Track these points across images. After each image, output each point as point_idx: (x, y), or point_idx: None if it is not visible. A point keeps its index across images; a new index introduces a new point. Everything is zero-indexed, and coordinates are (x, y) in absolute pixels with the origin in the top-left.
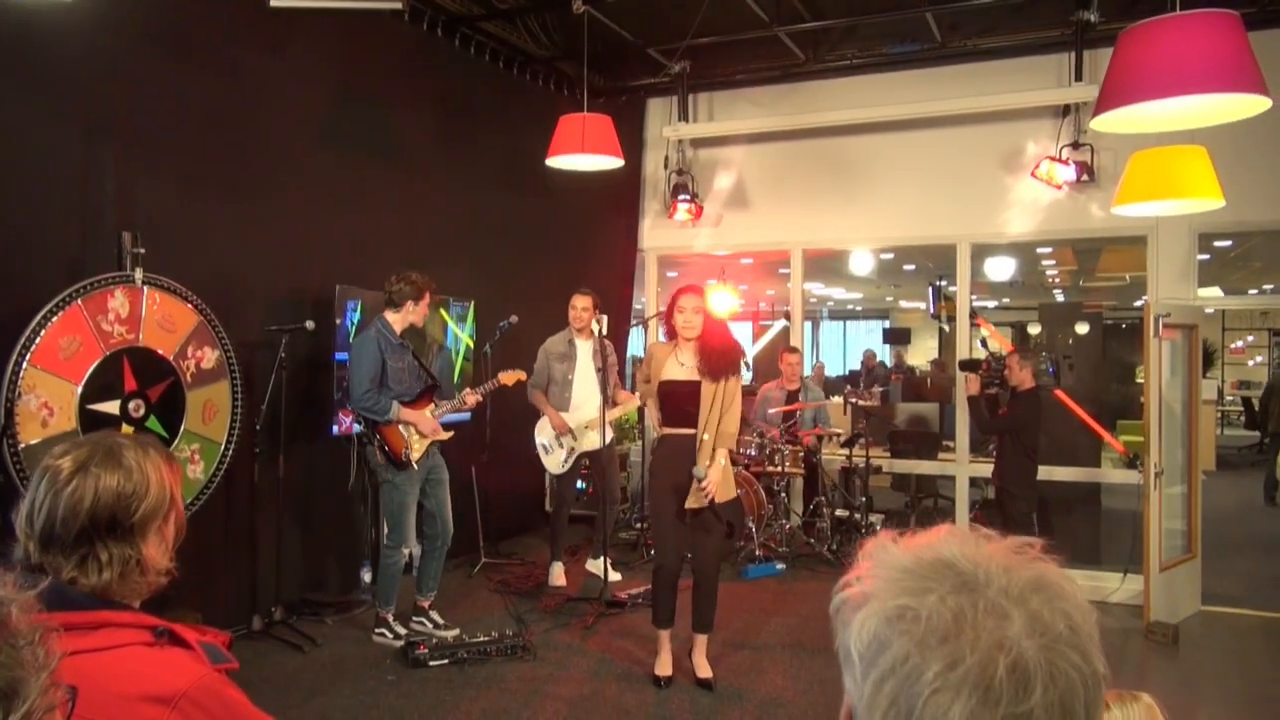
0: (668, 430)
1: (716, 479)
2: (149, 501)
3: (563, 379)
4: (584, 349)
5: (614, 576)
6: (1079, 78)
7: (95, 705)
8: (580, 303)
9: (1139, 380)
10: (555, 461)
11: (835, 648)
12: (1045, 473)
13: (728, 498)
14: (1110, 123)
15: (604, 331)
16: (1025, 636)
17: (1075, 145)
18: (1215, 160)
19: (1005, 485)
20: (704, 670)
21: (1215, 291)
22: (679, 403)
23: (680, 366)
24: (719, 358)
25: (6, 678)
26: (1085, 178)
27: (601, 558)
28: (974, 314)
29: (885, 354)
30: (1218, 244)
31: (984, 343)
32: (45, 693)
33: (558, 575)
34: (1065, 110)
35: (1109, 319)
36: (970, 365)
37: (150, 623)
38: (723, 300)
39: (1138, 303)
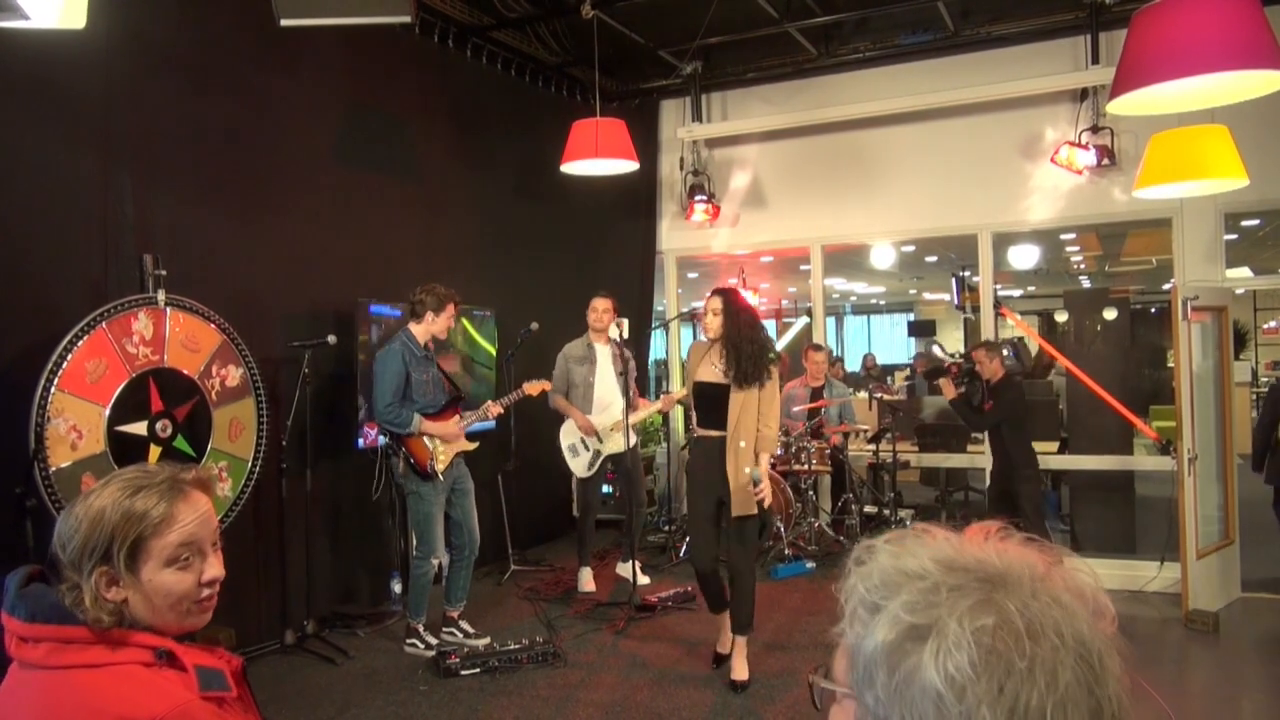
0: (701, 431)
1: (769, 485)
2: (74, 545)
3: (584, 382)
4: (603, 352)
5: (643, 580)
6: (1095, 61)
7: (67, 718)
8: (600, 304)
9: (1171, 365)
10: (581, 464)
11: (882, 685)
12: (1079, 461)
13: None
14: (1127, 105)
15: (625, 335)
16: (1093, 626)
17: (1095, 129)
18: (1238, 139)
19: (1015, 471)
20: (740, 673)
21: (1245, 272)
22: (709, 404)
23: (712, 368)
24: (745, 361)
25: None
26: (1106, 161)
27: (631, 561)
28: (999, 304)
29: (909, 347)
30: (1245, 223)
31: (941, 347)
32: None
33: (586, 580)
34: (1083, 94)
35: (1137, 303)
36: (936, 373)
37: (152, 643)
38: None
39: (1166, 286)
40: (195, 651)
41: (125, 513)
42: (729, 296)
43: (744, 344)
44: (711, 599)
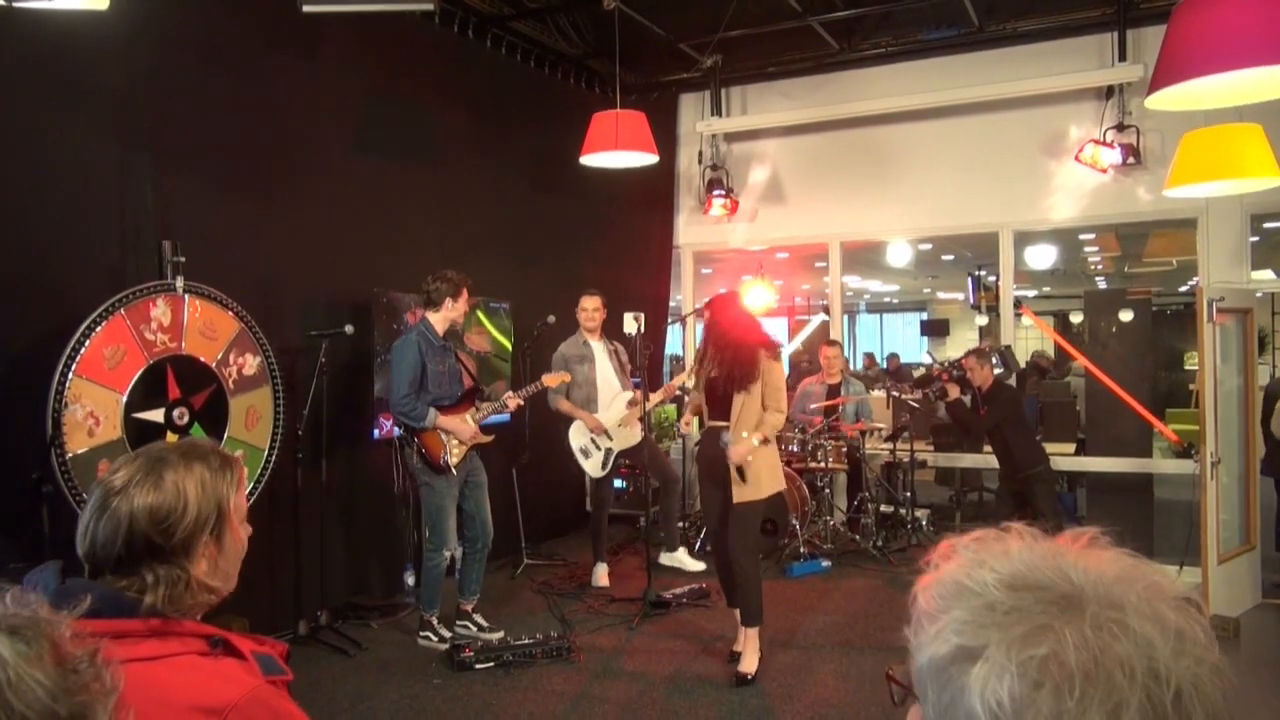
0: (710, 423)
1: (741, 451)
2: (186, 522)
3: (585, 380)
4: (599, 348)
5: (698, 565)
6: (1123, 58)
7: (146, 714)
8: (590, 304)
9: (1187, 367)
10: (595, 465)
11: (920, 711)
12: (1096, 463)
13: (776, 489)
14: (1166, 100)
15: (642, 329)
16: (1175, 659)
17: (1120, 127)
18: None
19: (1027, 473)
20: (747, 665)
21: (1268, 274)
22: (718, 397)
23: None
24: (736, 370)
25: (76, 703)
26: (1131, 160)
27: (678, 550)
28: (1018, 303)
29: (921, 346)
30: (1268, 225)
31: (930, 354)
32: (113, 718)
33: (601, 576)
34: (1109, 92)
35: (1156, 305)
36: (926, 380)
37: (206, 632)
38: (758, 295)
39: (1183, 288)
40: (244, 639)
41: (215, 478)
42: (715, 308)
43: (738, 356)
44: (725, 588)
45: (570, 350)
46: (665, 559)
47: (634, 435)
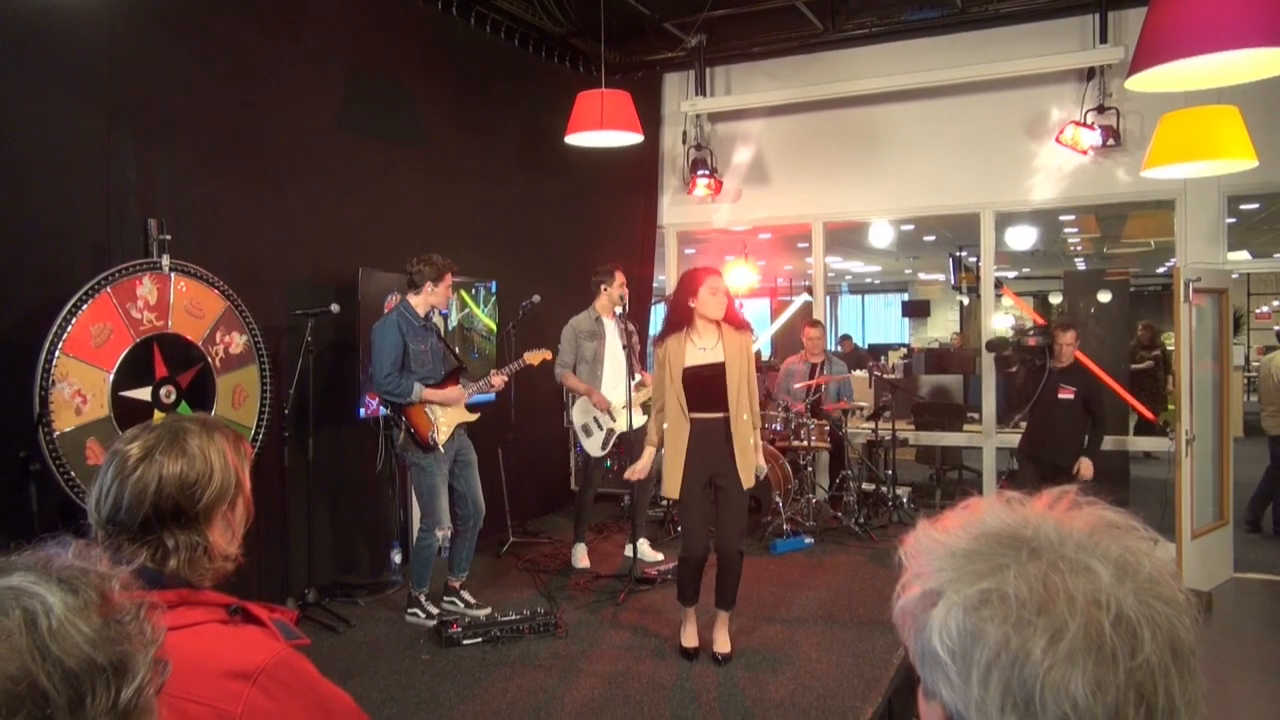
0: (694, 415)
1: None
2: (212, 489)
3: (593, 357)
4: (611, 327)
5: (656, 556)
6: (1103, 40)
7: (178, 681)
8: (622, 277)
9: (1160, 348)
10: (595, 444)
11: (901, 657)
12: None
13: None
14: (1145, 82)
15: (626, 309)
16: (1117, 585)
17: (1100, 109)
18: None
19: (1071, 458)
20: (723, 646)
21: (1243, 255)
22: (704, 385)
23: (701, 351)
24: (741, 333)
25: (116, 652)
26: (1111, 142)
27: (639, 541)
28: (999, 284)
29: (904, 327)
30: (1244, 207)
31: (1019, 320)
32: (153, 668)
33: (581, 557)
34: (1090, 74)
35: (1134, 286)
36: (1020, 349)
37: (224, 601)
38: (742, 276)
39: (1161, 269)
40: (258, 607)
41: (233, 450)
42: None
43: (735, 318)
44: (692, 588)
45: (581, 325)
46: (626, 549)
47: (639, 418)
